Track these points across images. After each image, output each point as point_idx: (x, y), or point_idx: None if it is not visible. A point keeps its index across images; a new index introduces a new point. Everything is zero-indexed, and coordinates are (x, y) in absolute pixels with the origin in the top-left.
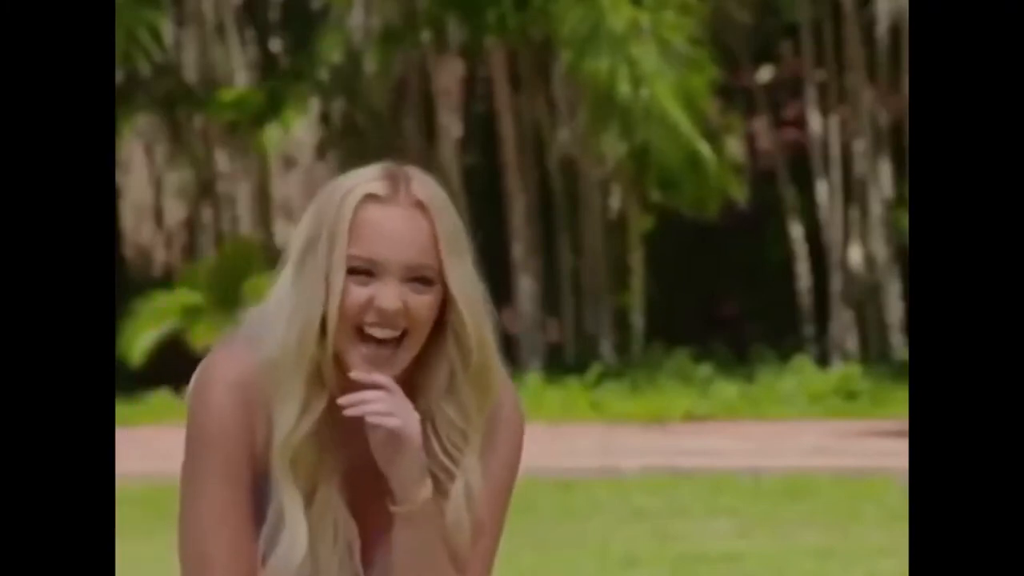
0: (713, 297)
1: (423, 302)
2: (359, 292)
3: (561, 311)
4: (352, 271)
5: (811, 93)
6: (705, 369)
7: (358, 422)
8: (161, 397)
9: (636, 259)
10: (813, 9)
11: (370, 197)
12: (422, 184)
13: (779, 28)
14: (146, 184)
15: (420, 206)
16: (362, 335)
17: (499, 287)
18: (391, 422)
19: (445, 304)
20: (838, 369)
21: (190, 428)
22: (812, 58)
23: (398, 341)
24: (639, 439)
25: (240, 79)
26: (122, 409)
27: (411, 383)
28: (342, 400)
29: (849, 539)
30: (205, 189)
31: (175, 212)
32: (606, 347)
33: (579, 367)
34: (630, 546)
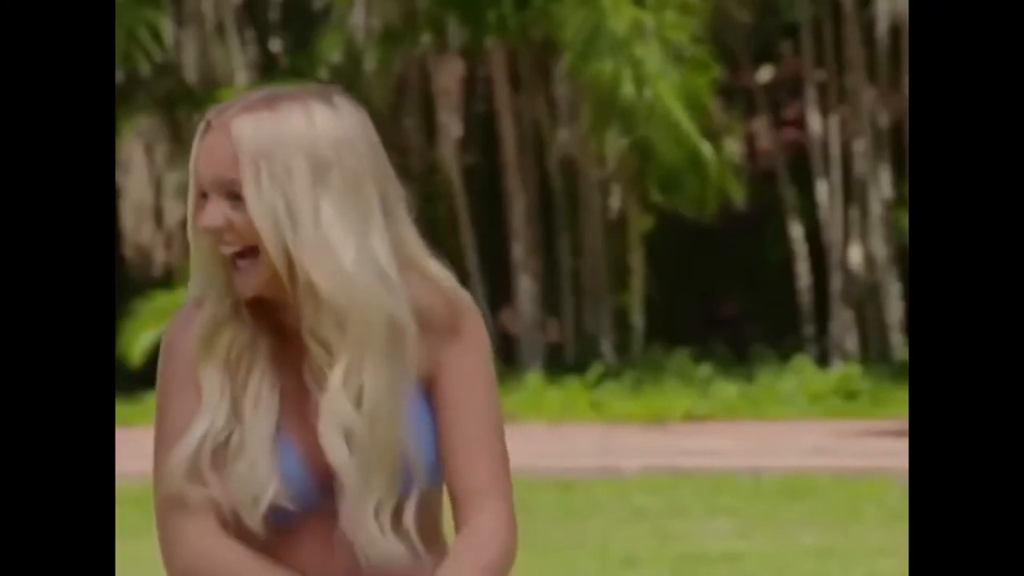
0: (713, 297)
1: (243, 217)
2: (201, 214)
3: (561, 311)
4: (201, 195)
5: (811, 93)
6: (705, 369)
7: (282, 328)
8: None
9: (636, 259)
10: (813, 9)
11: (207, 124)
12: (250, 106)
13: (779, 28)
14: (146, 184)
15: (226, 124)
16: None
17: (499, 287)
18: None
19: None
20: (838, 369)
21: (159, 369)
22: (812, 58)
23: (254, 254)
24: (639, 439)
25: (240, 79)
26: (122, 409)
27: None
28: None
29: (849, 539)
30: None
31: (175, 212)
32: (606, 347)
33: (579, 367)
34: (630, 546)
